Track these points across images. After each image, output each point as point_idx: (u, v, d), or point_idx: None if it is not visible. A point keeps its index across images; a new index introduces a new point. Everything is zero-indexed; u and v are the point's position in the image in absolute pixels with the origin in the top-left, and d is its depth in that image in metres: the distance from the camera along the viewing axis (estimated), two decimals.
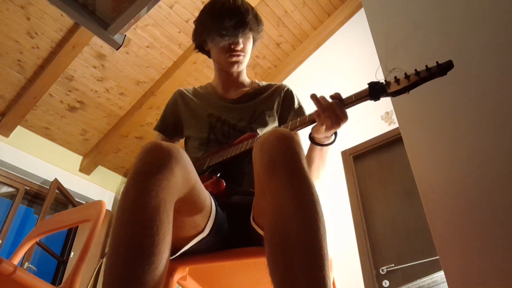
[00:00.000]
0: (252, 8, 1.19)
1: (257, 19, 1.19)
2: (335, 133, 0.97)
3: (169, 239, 0.66)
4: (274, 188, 0.68)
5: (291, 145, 0.72)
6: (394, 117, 2.73)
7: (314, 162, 1.04)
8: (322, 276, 0.58)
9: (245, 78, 1.31)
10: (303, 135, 1.16)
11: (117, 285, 0.58)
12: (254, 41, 1.25)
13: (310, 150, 1.04)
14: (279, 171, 0.69)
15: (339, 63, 3.50)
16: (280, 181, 0.68)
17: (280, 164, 0.69)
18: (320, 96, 0.93)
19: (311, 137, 1.00)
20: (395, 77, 0.84)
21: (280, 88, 1.28)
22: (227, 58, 1.19)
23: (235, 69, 1.22)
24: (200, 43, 1.23)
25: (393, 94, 0.85)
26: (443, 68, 0.80)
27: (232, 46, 1.16)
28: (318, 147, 1.02)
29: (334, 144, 1.01)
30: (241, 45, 1.17)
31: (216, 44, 1.17)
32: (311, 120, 0.96)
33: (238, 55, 1.19)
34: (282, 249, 0.62)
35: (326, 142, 0.99)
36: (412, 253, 2.28)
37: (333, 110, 0.89)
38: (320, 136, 0.97)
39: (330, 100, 0.92)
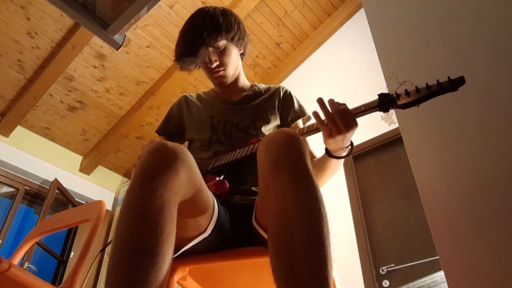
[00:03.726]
0: (216, 17, 1.12)
1: (220, 30, 1.10)
2: (351, 144, 0.92)
3: (173, 239, 0.66)
4: (279, 187, 0.68)
5: (297, 145, 0.72)
6: (394, 117, 2.73)
7: (326, 171, 1.00)
8: (325, 276, 0.58)
9: (244, 81, 1.31)
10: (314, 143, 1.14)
11: (120, 285, 0.58)
12: (239, 46, 1.20)
13: (323, 159, 0.99)
14: (284, 171, 0.69)
15: (339, 63, 3.50)
16: (284, 180, 0.68)
17: (285, 163, 0.69)
18: (329, 100, 0.86)
19: (327, 151, 0.94)
20: (406, 89, 0.83)
21: (279, 89, 1.30)
22: (209, 76, 1.19)
23: (222, 84, 1.21)
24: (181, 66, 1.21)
25: (402, 107, 0.83)
26: (455, 84, 0.79)
27: (209, 65, 1.14)
28: (334, 159, 0.95)
29: None
30: (216, 62, 1.13)
31: (184, 68, 1.15)
32: (317, 127, 0.91)
33: (217, 72, 1.16)
34: (285, 248, 0.62)
35: (342, 154, 0.93)
36: (412, 253, 2.28)
37: (343, 116, 0.84)
38: (335, 147, 0.91)
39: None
